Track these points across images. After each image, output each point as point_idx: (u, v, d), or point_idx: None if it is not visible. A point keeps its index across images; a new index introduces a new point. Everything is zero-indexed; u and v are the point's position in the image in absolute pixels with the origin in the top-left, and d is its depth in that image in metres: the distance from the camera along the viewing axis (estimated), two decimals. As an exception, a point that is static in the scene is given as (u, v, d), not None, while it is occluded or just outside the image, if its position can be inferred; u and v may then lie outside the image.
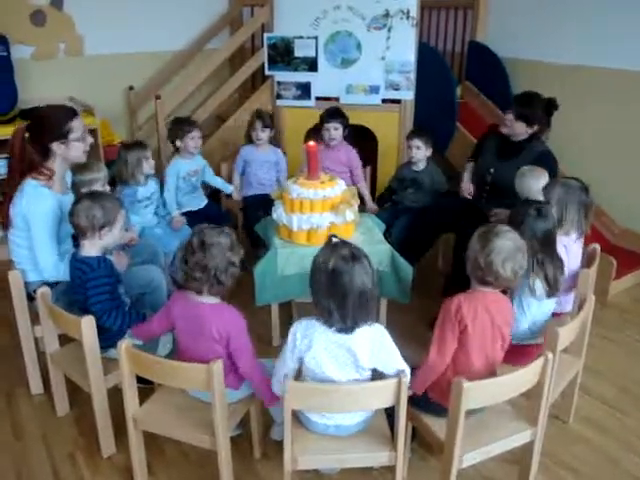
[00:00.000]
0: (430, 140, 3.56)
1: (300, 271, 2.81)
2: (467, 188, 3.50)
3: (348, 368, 1.90)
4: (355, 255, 1.84)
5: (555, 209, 2.46)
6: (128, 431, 2.12)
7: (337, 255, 1.83)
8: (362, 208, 3.39)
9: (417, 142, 3.54)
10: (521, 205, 2.40)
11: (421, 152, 3.55)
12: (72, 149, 2.52)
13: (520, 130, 3.23)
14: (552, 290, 2.29)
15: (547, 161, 3.14)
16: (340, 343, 1.87)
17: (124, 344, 1.97)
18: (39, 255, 2.48)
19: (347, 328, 1.85)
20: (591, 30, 3.99)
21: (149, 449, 2.25)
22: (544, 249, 2.27)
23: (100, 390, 2.25)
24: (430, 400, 2.09)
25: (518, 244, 1.98)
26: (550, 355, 1.94)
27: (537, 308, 2.31)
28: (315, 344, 1.87)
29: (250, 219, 3.66)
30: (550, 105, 3.22)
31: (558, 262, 2.31)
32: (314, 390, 1.86)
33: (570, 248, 2.52)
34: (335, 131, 3.69)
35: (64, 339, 2.50)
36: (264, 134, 3.83)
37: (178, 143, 3.58)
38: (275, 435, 2.39)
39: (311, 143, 2.93)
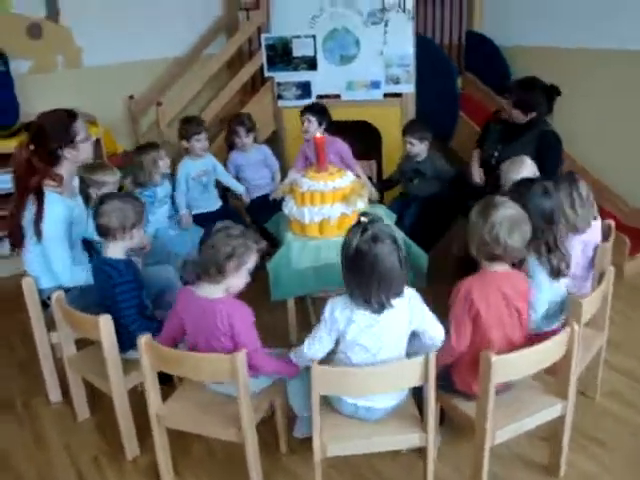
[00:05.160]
0: (425, 134, 3.53)
1: (314, 264, 2.79)
2: (477, 174, 3.45)
3: (394, 339, 1.89)
4: (378, 236, 1.81)
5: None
6: (152, 429, 2.10)
7: (361, 237, 1.82)
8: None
9: (409, 139, 3.54)
10: (523, 184, 2.28)
11: (415, 148, 3.54)
12: (81, 151, 2.52)
13: (517, 116, 3.20)
14: (557, 272, 2.17)
15: (550, 141, 3.12)
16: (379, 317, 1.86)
17: (144, 338, 1.95)
18: (53, 261, 2.46)
19: (374, 309, 1.84)
20: (588, 11, 3.97)
21: (174, 449, 2.22)
22: (550, 228, 2.17)
23: (121, 390, 2.23)
24: (455, 387, 2.06)
25: (520, 212, 1.94)
26: (576, 325, 1.91)
27: (548, 289, 2.20)
28: (355, 318, 1.86)
29: (257, 221, 3.66)
30: (551, 91, 3.17)
31: (563, 247, 2.19)
32: (340, 373, 1.84)
33: (589, 239, 2.44)
34: (308, 123, 3.62)
35: (80, 345, 2.49)
36: (248, 139, 3.82)
37: (184, 144, 3.58)
38: (298, 432, 2.34)
39: (318, 135, 2.92)
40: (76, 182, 2.71)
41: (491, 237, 1.91)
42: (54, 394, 2.69)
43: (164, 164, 3.31)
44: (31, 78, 4.20)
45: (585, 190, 2.39)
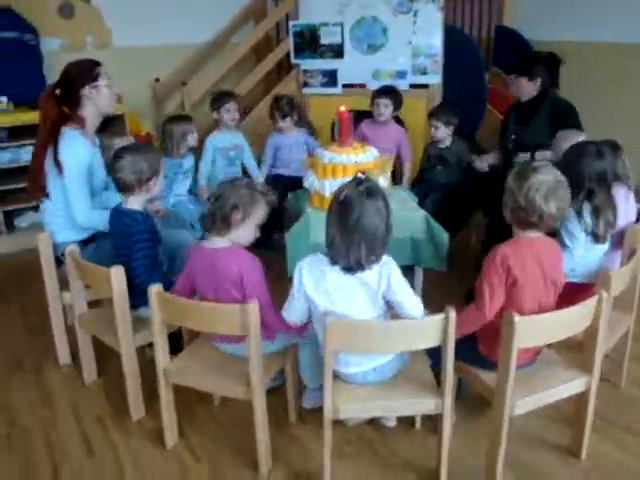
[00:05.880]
0: (451, 118, 3.49)
1: (332, 238, 2.73)
2: (483, 160, 3.48)
3: (363, 302, 1.81)
4: (372, 192, 1.75)
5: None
6: (159, 386, 2.04)
7: (354, 190, 1.76)
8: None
9: (435, 123, 3.50)
10: (578, 145, 2.31)
11: (440, 132, 3.50)
12: (102, 95, 2.56)
13: (524, 86, 3.18)
14: (602, 236, 2.17)
15: (563, 107, 3.13)
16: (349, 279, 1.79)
17: (155, 287, 1.90)
18: (72, 201, 2.47)
19: (350, 267, 1.77)
20: (620, 5, 3.91)
21: (179, 412, 2.17)
22: (600, 190, 2.15)
23: (129, 346, 2.18)
24: (479, 354, 1.97)
25: (559, 178, 1.85)
26: (605, 294, 1.82)
27: (588, 250, 2.19)
28: (325, 279, 1.80)
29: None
30: (552, 59, 3.19)
31: (613, 205, 2.18)
32: (356, 327, 1.76)
33: (629, 202, 2.40)
34: (385, 108, 3.64)
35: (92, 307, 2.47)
36: (285, 123, 3.79)
37: (215, 115, 3.60)
38: (306, 402, 2.28)
39: (342, 109, 2.87)
40: (97, 139, 2.71)
41: (526, 201, 1.82)
42: (63, 356, 2.66)
43: (192, 138, 3.34)
44: (61, 56, 4.23)
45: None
